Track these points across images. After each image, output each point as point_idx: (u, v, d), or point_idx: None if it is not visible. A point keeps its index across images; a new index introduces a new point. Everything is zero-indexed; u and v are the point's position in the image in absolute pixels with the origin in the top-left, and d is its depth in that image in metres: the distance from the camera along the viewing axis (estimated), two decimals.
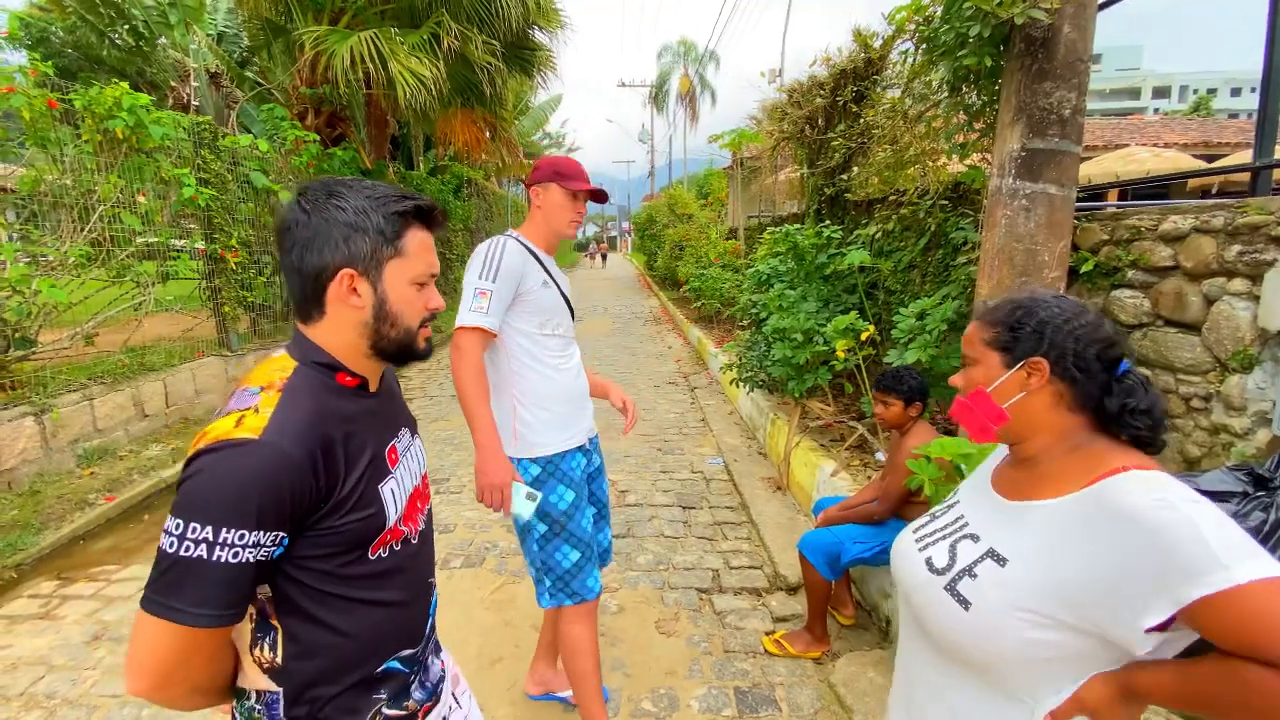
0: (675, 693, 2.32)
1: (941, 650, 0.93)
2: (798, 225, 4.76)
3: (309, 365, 0.90)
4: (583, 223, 1.99)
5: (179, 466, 4.33)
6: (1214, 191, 10.39)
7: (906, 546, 1.02)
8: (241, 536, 0.76)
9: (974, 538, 0.92)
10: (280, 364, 0.89)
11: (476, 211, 15.02)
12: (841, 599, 2.70)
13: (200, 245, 5.61)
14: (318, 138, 7.29)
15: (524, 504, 1.73)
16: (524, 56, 9.04)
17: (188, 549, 0.75)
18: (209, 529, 0.75)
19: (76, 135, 4.47)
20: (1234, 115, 28.08)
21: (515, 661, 2.50)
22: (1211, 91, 50.29)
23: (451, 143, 11.24)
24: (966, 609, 0.86)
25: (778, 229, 4.76)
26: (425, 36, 7.47)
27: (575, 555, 1.87)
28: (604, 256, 38.80)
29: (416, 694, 1.03)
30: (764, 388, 4.86)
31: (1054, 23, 2.34)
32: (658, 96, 35.86)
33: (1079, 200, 3.05)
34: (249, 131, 8.80)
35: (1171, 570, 0.71)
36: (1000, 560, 0.86)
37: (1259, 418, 2.21)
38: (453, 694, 1.17)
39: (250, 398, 0.84)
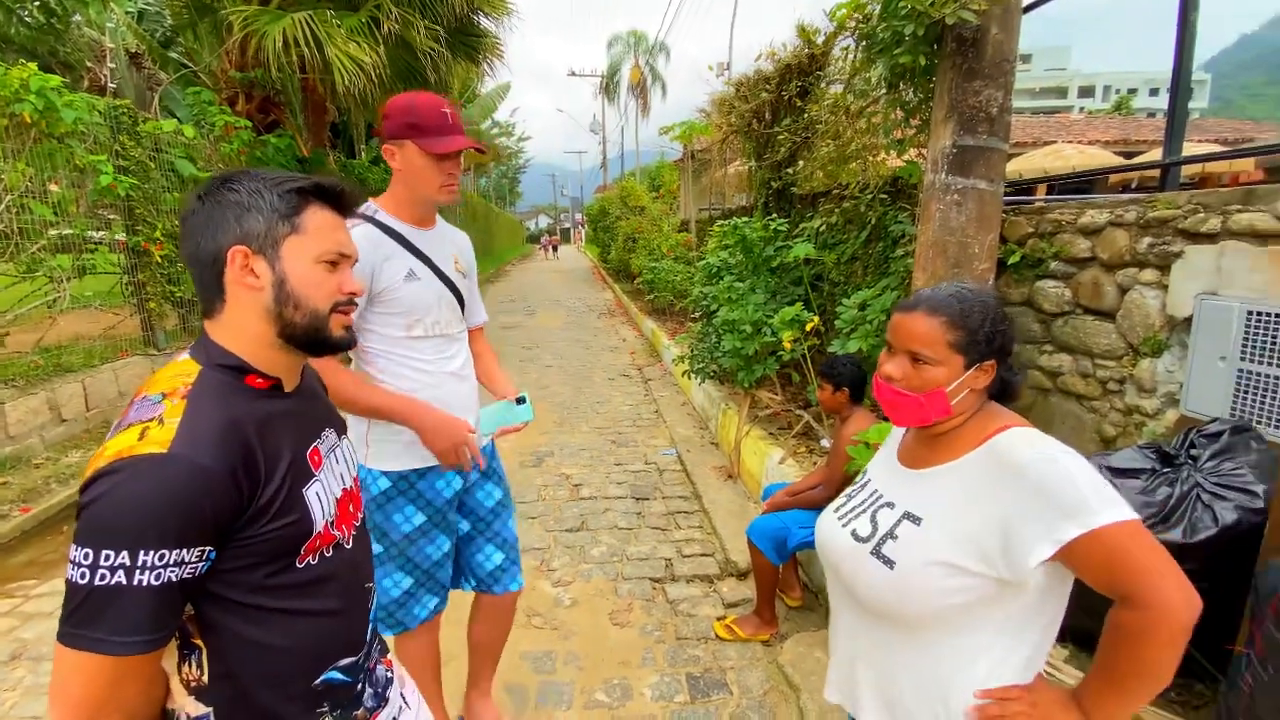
0: (628, 682, 2.35)
1: (870, 612, 0.99)
2: (746, 219, 4.83)
3: (214, 369, 0.85)
4: (457, 188, 1.58)
5: None
6: (1133, 186, 11.07)
7: (830, 524, 1.09)
8: (161, 557, 0.72)
9: (890, 505, 1.00)
10: (182, 369, 0.85)
11: None
12: (789, 582, 2.79)
13: (121, 237, 5.27)
14: (249, 124, 6.94)
15: (523, 411, 1.73)
16: (469, 43, 8.82)
17: (103, 577, 0.70)
18: (124, 554, 0.70)
19: None
20: (1151, 114, 29.88)
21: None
22: (1132, 91, 53.33)
23: None
24: (891, 568, 0.94)
25: (727, 222, 4.82)
26: (364, 20, 7.19)
27: (407, 582, 1.64)
28: (554, 248, 38.64)
29: (367, 701, 1.00)
30: (715, 379, 4.93)
31: (982, 24, 2.43)
32: (609, 87, 35.62)
33: (1010, 195, 3.21)
34: (174, 116, 8.31)
35: (1051, 511, 0.83)
36: (915, 520, 0.95)
37: (1168, 399, 2.38)
38: (401, 694, 1.15)
39: (152, 408, 0.78)
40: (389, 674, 1.11)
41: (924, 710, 0.96)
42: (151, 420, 0.76)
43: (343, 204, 0.95)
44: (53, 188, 4.64)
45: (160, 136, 5.61)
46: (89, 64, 13.16)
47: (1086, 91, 63.94)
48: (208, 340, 0.88)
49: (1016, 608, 0.91)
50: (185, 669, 0.85)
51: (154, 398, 0.80)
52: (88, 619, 0.71)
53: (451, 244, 1.70)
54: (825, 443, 3.53)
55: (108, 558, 0.70)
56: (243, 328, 0.87)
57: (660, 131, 8.57)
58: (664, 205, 14.25)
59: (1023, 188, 5.13)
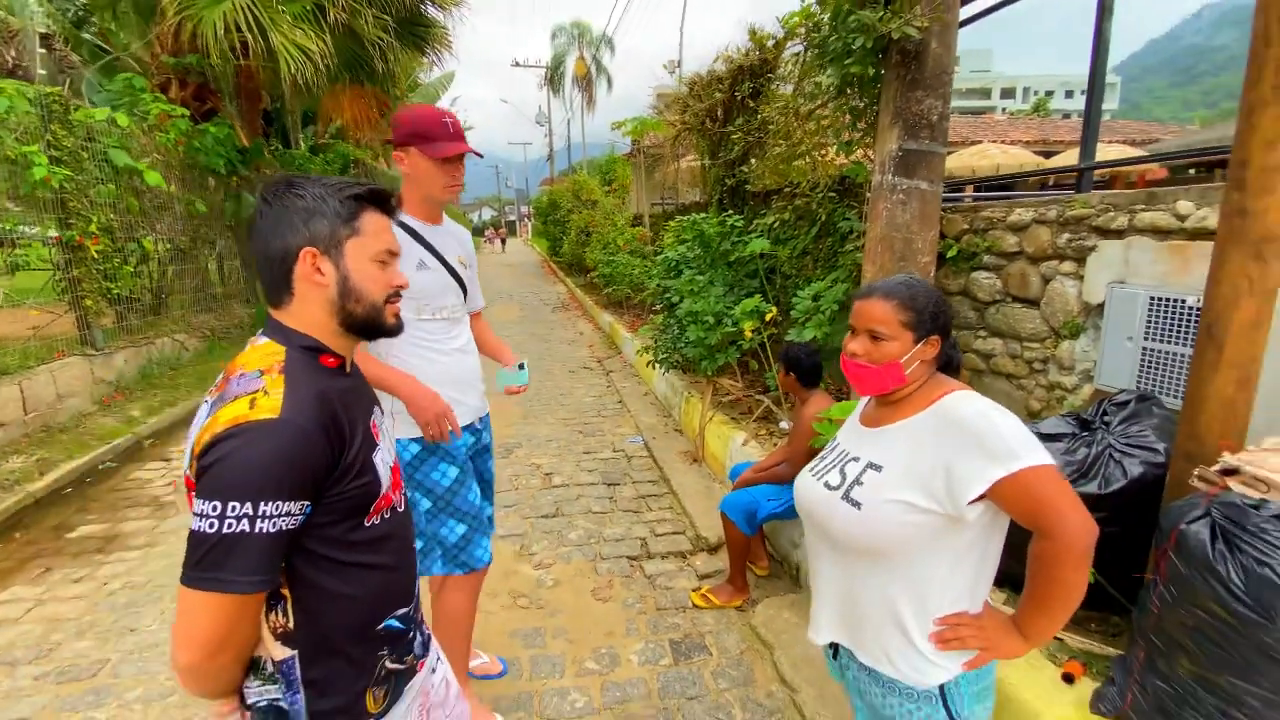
0: (616, 650, 2.51)
1: (842, 549, 1.18)
2: (704, 214, 5.02)
3: (297, 349, 0.96)
4: (462, 187, 1.80)
5: (47, 479, 3.99)
6: (1050, 184, 11.94)
7: (806, 480, 1.28)
8: (277, 508, 0.83)
9: (856, 459, 1.19)
10: (270, 349, 0.95)
11: None
12: (757, 553, 3.01)
13: (54, 232, 5.01)
14: (187, 112, 6.66)
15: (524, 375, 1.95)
16: (418, 33, 8.68)
17: (230, 526, 0.81)
18: (248, 505, 0.81)
19: None
20: (1066, 115, 32.01)
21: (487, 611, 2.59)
22: (1049, 93, 56.80)
23: (335, 120, 10.56)
24: (859, 509, 1.13)
25: (685, 218, 5.00)
26: (309, 7, 7.00)
27: (462, 529, 1.86)
28: (503, 241, 38.18)
29: (416, 648, 1.13)
30: (678, 368, 5.12)
31: (924, 39, 2.68)
32: (554, 79, 35.28)
33: (943, 194, 3.50)
34: (84, 97, 7.85)
35: (983, 456, 1.02)
36: (877, 468, 1.14)
37: (1084, 375, 2.71)
38: (436, 649, 1.28)
39: (254, 381, 0.89)
40: (427, 631, 1.24)
41: (888, 630, 1.16)
42: (257, 392, 0.87)
43: (389, 207, 1.06)
44: None
45: (93, 125, 5.34)
46: None
47: (1008, 93, 67.64)
48: (281, 325, 0.98)
49: (962, 542, 1.11)
50: (273, 617, 0.96)
51: (252, 374, 0.90)
52: (215, 563, 0.81)
53: (455, 239, 1.89)
54: (784, 425, 3.77)
55: (234, 509, 0.81)
56: (308, 317, 0.99)
57: (613, 126, 8.68)
58: (616, 199, 14.35)
59: (953, 186, 5.52)
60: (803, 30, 3.88)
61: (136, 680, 2.37)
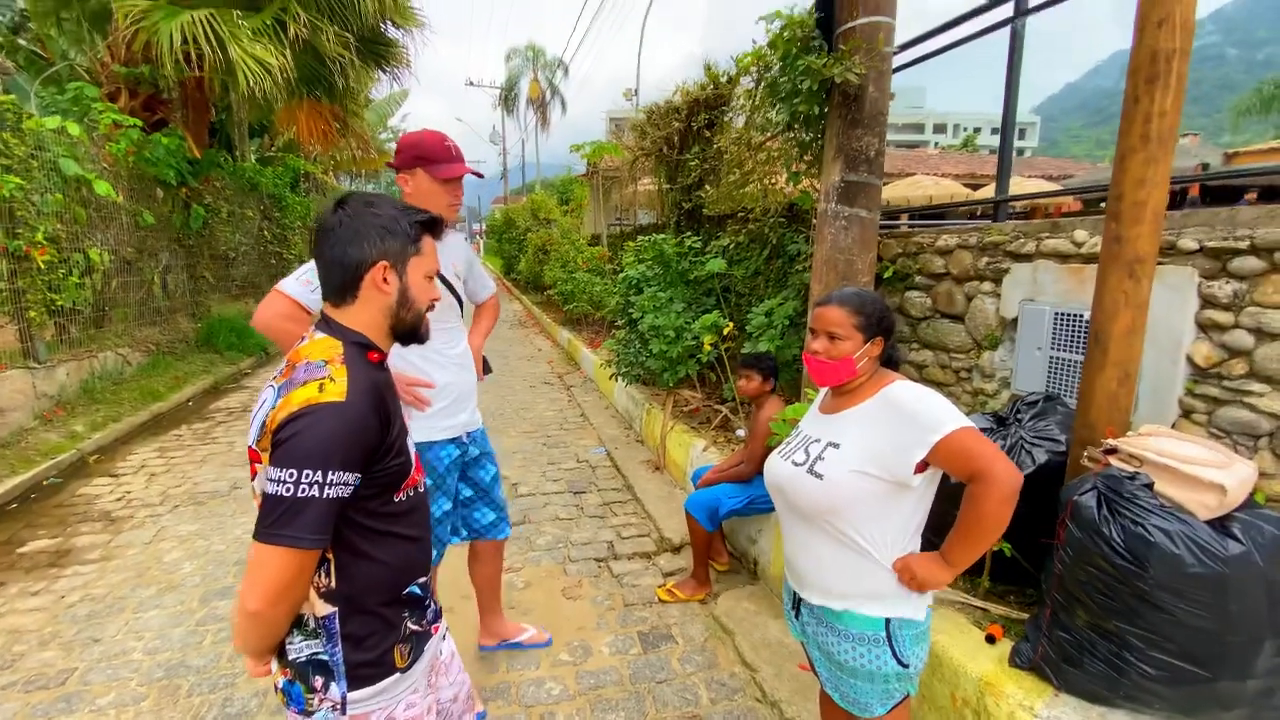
0: (588, 643, 2.65)
1: (806, 517, 1.41)
2: (663, 235, 5.28)
3: (351, 344, 1.11)
4: (461, 204, 1.95)
5: None
6: (978, 214, 12.88)
7: (775, 460, 1.52)
8: (340, 476, 0.98)
9: (818, 441, 1.43)
10: (329, 343, 1.10)
11: (317, 207, 14.01)
12: (717, 550, 3.21)
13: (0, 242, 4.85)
14: (140, 123, 6.53)
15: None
16: (378, 51, 8.73)
17: (303, 490, 0.95)
18: (319, 473, 0.96)
19: None
20: (993, 151, 34.36)
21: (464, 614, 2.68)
22: (977, 130, 60.55)
23: (284, 133, 10.42)
24: (822, 480, 1.36)
25: (645, 238, 5.25)
26: (269, 22, 7.00)
27: None
28: None
29: (430, 613, 1.28)
30: (640, 381, 5.32)
31: (862, 83, 3.02)
32: (508, 99, 35.51)
33: (881, 221, 3.85)
34: (36, 110, 7.55)
35: (919, 428, 1.27)
36: (836, 445, 1.38)
37: (1003, 382, 3.05)
38: (445, 623, 1.43)
39: (321, 369, 1.04)
40: (439, 603, 1.39)
41: (846, 572, 1.39)
42: (324, 378, 1.02)
43: (438, 232, 1.24)
44: None
45: (43, 134, 5.21)
46: None
47: (940, 128, 71.79)
48: (336, 323, 1.13)
49: (906, 503, 1.35)
50: (317, 577, 1.09)
51: (318, 363, 1.05)
52: (287, 521, 0.96)
53: (452, 251, 2.06)
54: (741, 432, 4.02)
55: (308, 475, 0.95)
56: (366, 318, 1.14)
57: (572, 149, 8.93)
58: (574, 219, 14.57)
59: (889, 213, 5.99)
60: (755, 70, 4.22)
61: (107, 687, 2.36)
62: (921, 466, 1.30)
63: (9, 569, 3.21)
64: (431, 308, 1.23)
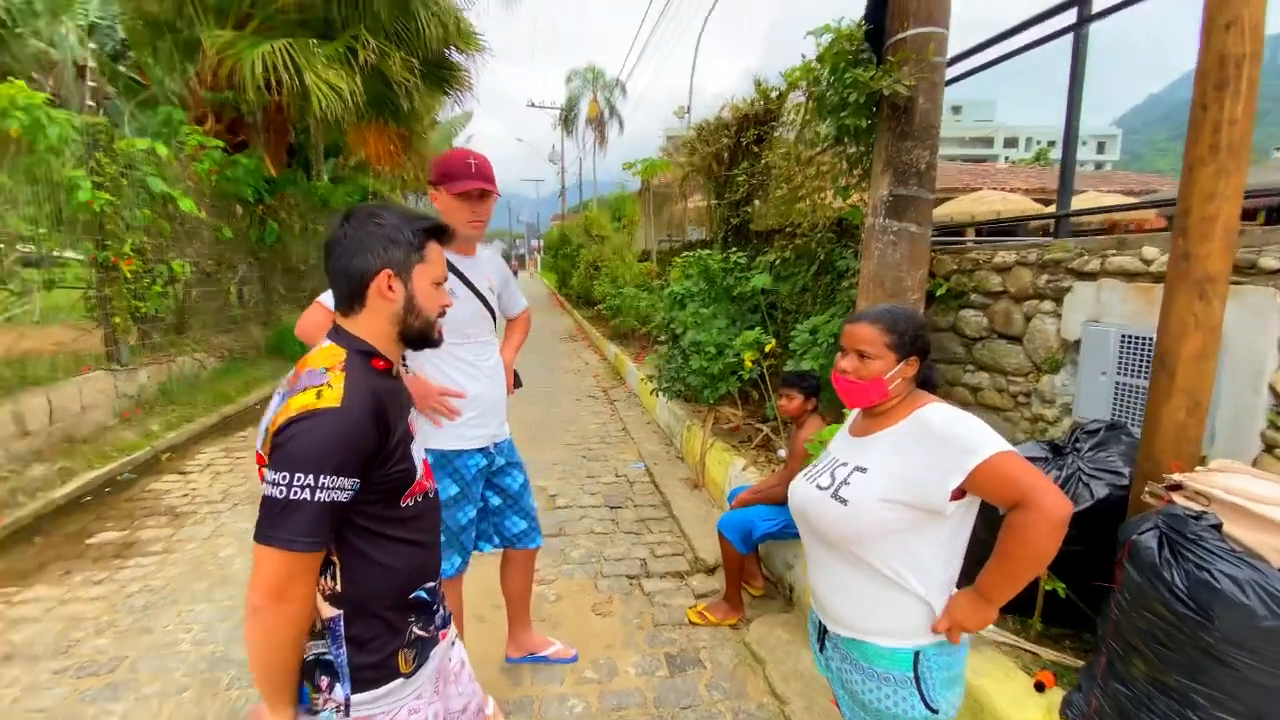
0: (614, 661, 2.60)
1: (830, 544, 1.33)
2: (708, 251, 5.25)
3: (355, 352, 1.13)
4: (486, 224, 1.97)
5: (68, 487, 4.14)
6: (1053, 230, 12.27)
7: (801, 484, 1.44)
8: (333, 480, 0.99)
9: (845, 464, 1.35)
10: (333, 351, 1.12)
11: None
12: (752, 574, 3.11)
13: (89, 253, 5.28)
14: (221, 144, 7.02)
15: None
16: (442, 75, 9.13)
17: (295, 493, 0.97)
18: (311, 476, 0.97)
19: None
20: None
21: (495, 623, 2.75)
22: (1051, 143, 57.83)
23: (356, 154, 11.01)
24: (846, 505, 1.27)
25: (691, 254, 5.23)
26: (341, 49, 7.42)
27: (440, 537, 2.08)
28: (515, 272, 39.21)
29: (438, 620, 1.27)
30: (681, 397, 5.28)
31: (911, 95, 2.92)
32: (567, 119, 36.39)
33: (943, 236, 3.71)
34: (118, 127, 8.26)
35: (956, 452, 1.17)
36: (863, 470, 1.30)
37: (1064, 408, 2.85)
38: (454, 630, 1.42)
39: (320, 376, 1.06)
40: (448, 609, 1.38)
41: (874, 617, 1.30)
42: (322, 385, 1.04)
43: (446, 238, 1.25)
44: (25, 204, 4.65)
45: (133, 154, 5.66)
46: (34, 75, 12.80)
47: (1011, 142, 69.07)
48: (344, 332, 1.16)
49: (942, 532, 1.24)
50: (323, 580, 1.11)
51: (319, 370, 1.07)
52: (279, 523, 0.97)
53: (487, 265, 2.12)
54: (782, 452, 3.91)
55: (299, 479, 0.97)
56: (373, 326, 1.16)
57: (624, 166, 9.04)
58: (625, 236, 14.72)
59: (953, 229, 5.76)
60: (804, 84, 4.15)
61: (153, 677, 2.48)
62: (958, 494, 1.20)
63: (77, 558, 3.44)
64: (443, 314, 1.24)
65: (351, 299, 1.15)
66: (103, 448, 4.83)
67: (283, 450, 0.99)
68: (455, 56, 9.26)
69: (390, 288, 1.14)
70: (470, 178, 1.86)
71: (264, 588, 0.99)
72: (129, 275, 5.49)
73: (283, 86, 7.04)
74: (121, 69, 11.67)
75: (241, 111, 8.11)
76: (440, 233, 1.22)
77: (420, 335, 1.20)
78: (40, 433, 4.63)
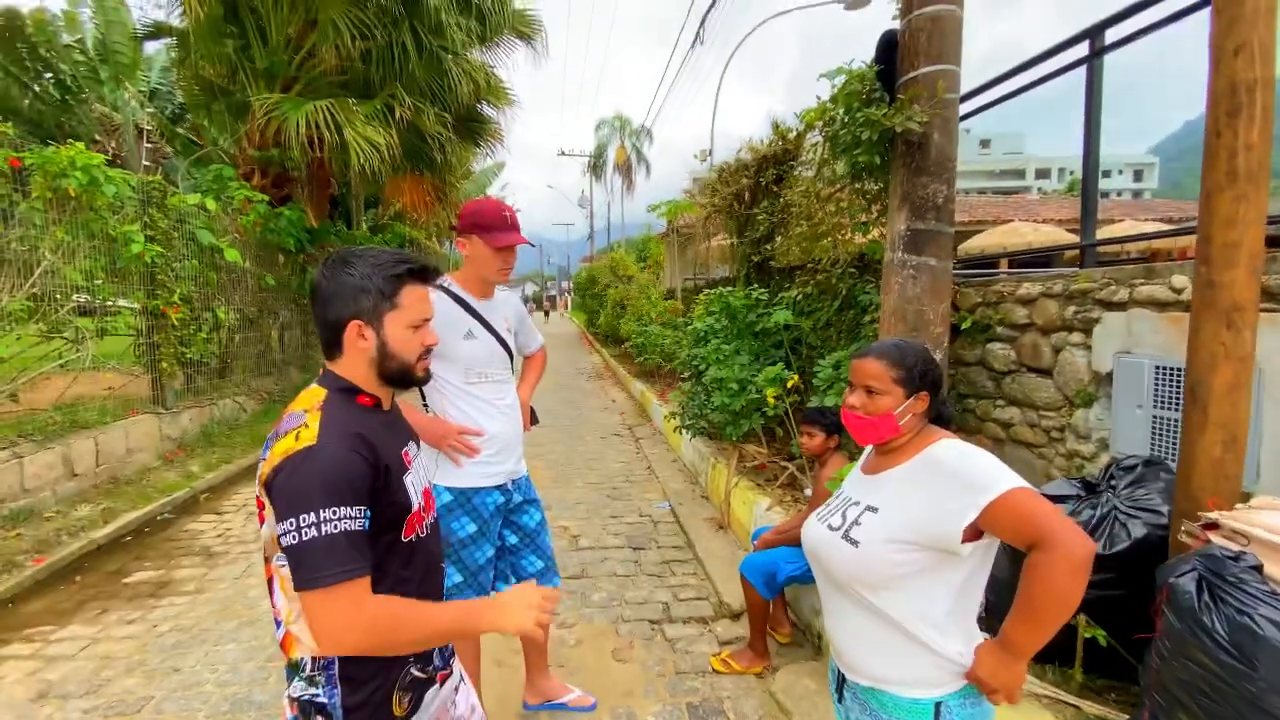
0: (633, 710, 2.53)
1: (841, 588, 1.28)
2: (730, 288, 5.27)
3: (336, 391, 1.17)
4: (512, 271, 2.06)
5: (110, 527, 4.27)
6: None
7: (813, 524, 1.40)
8: (335, 512, 1.00)
9: (856, 504, 1.31)
10: (315, 393, 1.16)
11: None
12: (779, 620, 3.01)
13: (140, 302, 5.58)
14: (267, 198, 7.41)
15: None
16: (473, 129, 9.54)
17: (306, 534, 0.98)
18: (311, 514, 0.99)
19: (21, 191, 4.50)
20: (1104, 194, 32.14)
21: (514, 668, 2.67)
22: None
23: (395, 203, 11.52)
24: (857, 547, 1.23)
25: (713, 291, 5.26)
26: (379, 107, 7.84)
27: (458, 578, 2.03)
28: (546, 313, 40.24)
29: (436, 660, 1.26)
30: (704, 434, 5.23)
31: (925, 131, 2.93)
32: (596, 165, 37.44)
33: (974, 268, 3.65)
34: (174, 184, 8.82)
35: (967, 489, 1.13)
36: (874, 510, 1.25)
37: (1100, 444, 2.74)
38: (459, 669, 1.41)
39: (298, 418, 1.09)
40: (450, 648, 1.37)
41: (889, 666, 1.24)
42: (300, 426, 1.07)
43: (428, 278, 1.29)
44: (81, 257, 4.96)
45: (184, 209, 6.02)
46: (97, 137, 13.82)
47: (1043, 173, 68.27)
48: (329, 373, 1.20)
49: (957, 575, 1.19)
50: None
51: (298, 413, 1.10)
52: (313, 567, 0.98)
53: (504, 306, 2.17)
54: (809, 491, 3.81)
55: (305, 519, 0.99)
56: (354, 369, 1.19)
57: (649, 209, 9.21)
58: (650, 275, 14.90)
59: (983, 263, 5.68)
60: (819, 124, 4.22)
61: (177, 717, 2.50)
62: (972, 534, 1.15)
63: (112, 597, 3.53)
64: (427, 352, 1.26)
65: (331, 345, 1.18)
66: (145, 489, 5.00)
67: (277, 499, 1.01)
68: (486, 110, 9.69)
69: (363, 336, 1.16)
70: (508, 230, 1.93)
71: (323, 633, 1.00)
72: (176, 322, 5.77)
73: (324, 143, 7.45)
74: (180, 130, 12.51)
75: (286, 167, 8.57)
76: (421, 274, 1.24)
77: (400, 375, 1.21)
78: (87, 474, 4.82)
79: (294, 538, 0.99)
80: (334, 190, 11.35)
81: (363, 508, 1.05)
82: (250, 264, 7.28)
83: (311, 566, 0.98)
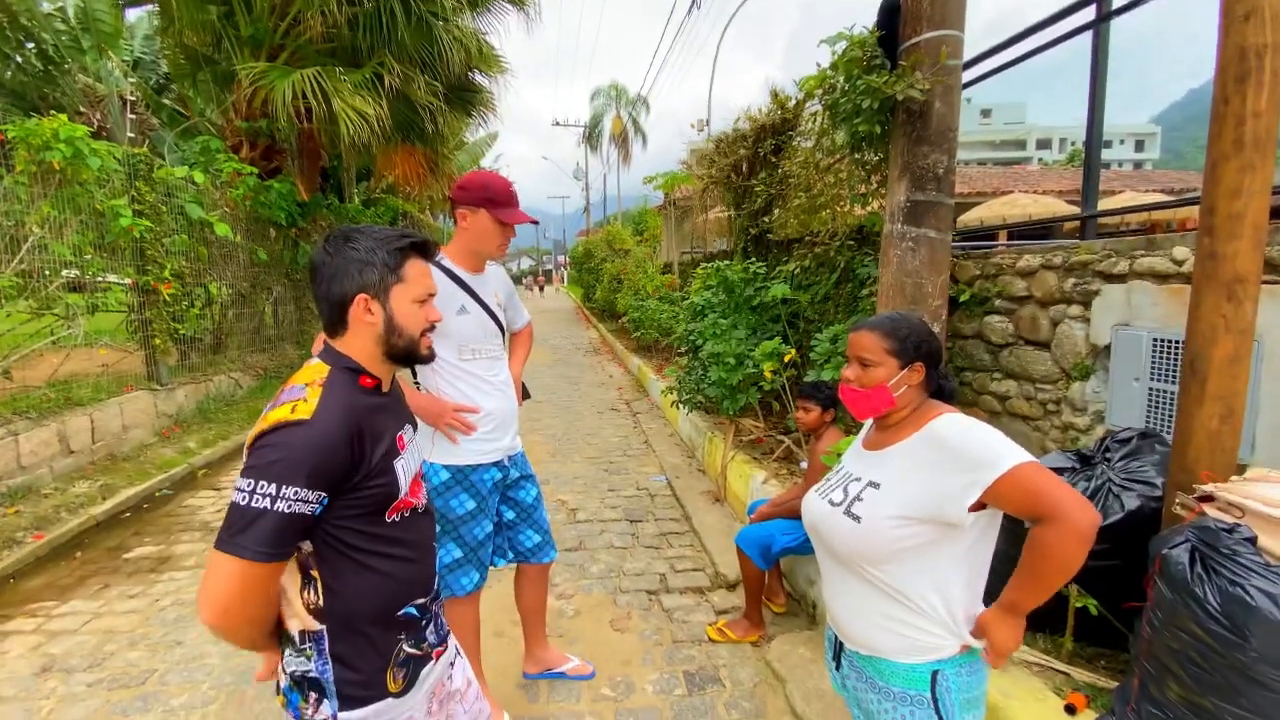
0: (631, 679, 2.57)
1: (842, 561, 1.29)
2: (727, 262, 5.23)
3: (339, 369, 1.15)
4: (509, 245, 2.04)
5: (108, 504, 4.28)
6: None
7: (813, 499, 1.39)
8: (296, 493, 0.98)
9: (858, 479, 1.30)
10: (318, 368, 1.14)
11: None
12: (774, 590, 3.05)
13: (131, 277, 5.51)
14: (256, 171, 7.28)
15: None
16: (465, 98, 9.34)
17: (257, 501, 0.97)
18: (274, 485, 0.97)
19: (5, 164, 4.41)
20: (1105, 165, 31.79)
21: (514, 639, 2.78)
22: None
23: (387, 176, 11.34)
24: (858, 523, 1.23)
25: (710, 265, 5.21)
26: (368, 75, 7.66)
27: (458, 553, 2.04)
28: (541, 287, 40.03)
29: (430, 637, 1.27)
30: (701, 409, 5.24)
31: (927, 99, 2.87)
32: (591, 136, 36.85)
33: (973, 240, 3.61)
34: (161, 157, 8.64)
35: (973, 466, 1.13)
36: (876, 486, 1.25)
37: (1096, 416, 2.75)
38: (455, 645, 1.42)
39: (299, 392, 1.07)
40: (446, 625, 1.37)
41: (888, 637, 1.25)
42: (299, 400, 1.05)
43: (429, 253, 1.26)
44: (70, 231, 4.88)
45: (172, 182, 5.91)
46: (81, 109, 13.50)
47: (1044, 144, 67.43)
48: (333, 349, 1.17)
49: (960, 547, 1.20)
50: (306, 594, 1.11)
51: (299, 386, 1.08)
52: (239, 530, 0.97)
53: (494, 281, 2.14)
54: (804, 465, 3.83)
55: (262, 487, 0.97)
56: (358, 346, 1.17)
57: (645, 180, 9.09)
58: (647, 249, 14.78)
59: (982, 234, 5.64)
60: (819, 92, 4.13)
61: (181, 688, 2.53)
62: (977, 506, 1.15)
63: (113, 573, 3.55)
64: (431, 329, 1.24)
65: (334, 323, 1.16)
66: (143, 465, 5.01)
67: (252, 459, 1.00)
68: (479, 79, 9.47)
69: (369, 310, 1.14)
70: (515, 206, 1.91)
71: (214, 599, 0.98)
72: (168, 298, 5.70)
73: (312, 113, 7.28)
74: (165, 101, 12.23)
75: (275, 139, 8.40)
76: (423, 248, 1.22)
77: (406, 353, 1.20)
78: (84, 451, 4.81)
79: (243, 498, 0.97)
80: (325, 163, 11.14)
81: (322, 494, 1.03)
82: (241, 238, 7.18)
83: (244, 533, 0.97)
